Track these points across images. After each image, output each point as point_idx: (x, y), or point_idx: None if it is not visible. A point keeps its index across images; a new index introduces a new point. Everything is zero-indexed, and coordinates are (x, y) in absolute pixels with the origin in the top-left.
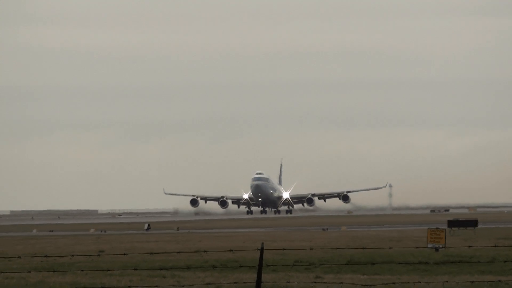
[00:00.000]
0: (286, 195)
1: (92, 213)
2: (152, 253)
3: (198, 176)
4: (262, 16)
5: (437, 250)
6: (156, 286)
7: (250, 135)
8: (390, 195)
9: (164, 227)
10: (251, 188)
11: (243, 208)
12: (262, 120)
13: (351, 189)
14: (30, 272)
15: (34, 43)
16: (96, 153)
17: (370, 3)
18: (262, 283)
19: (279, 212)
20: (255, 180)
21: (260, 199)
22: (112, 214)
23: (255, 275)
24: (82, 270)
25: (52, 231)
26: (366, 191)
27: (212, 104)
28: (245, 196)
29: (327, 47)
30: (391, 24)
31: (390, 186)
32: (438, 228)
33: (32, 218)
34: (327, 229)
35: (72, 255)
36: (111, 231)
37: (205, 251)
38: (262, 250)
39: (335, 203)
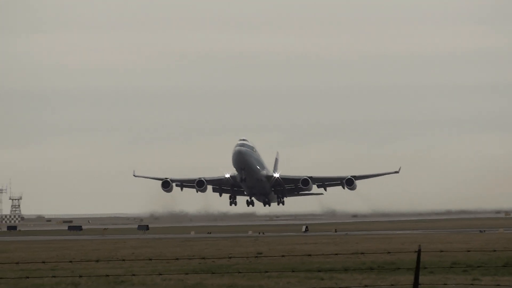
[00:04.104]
0: (276, 175)
1: (250, 216)
2: (310, 255)
3: None
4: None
5: None
6: None
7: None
8: None
9: (322, 229)
10: (232, 158)
11: (226, 198)
12: (416, 123)
13: (356, 174)
14: (187, 274)
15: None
16: None
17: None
18: (419, 285)
19: (269, 204)
20: (238, 146)
21: (243, 171)
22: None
23: (412, 277)
24: (240, 272)
25: (210, 233)
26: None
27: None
28: (227, 175)
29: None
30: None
31: None
32: None
33: (190, 219)
34: (484, 231)
35: (230, 257)
36: (269, 233)
37: (362, 253)
38: (419, 252)
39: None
